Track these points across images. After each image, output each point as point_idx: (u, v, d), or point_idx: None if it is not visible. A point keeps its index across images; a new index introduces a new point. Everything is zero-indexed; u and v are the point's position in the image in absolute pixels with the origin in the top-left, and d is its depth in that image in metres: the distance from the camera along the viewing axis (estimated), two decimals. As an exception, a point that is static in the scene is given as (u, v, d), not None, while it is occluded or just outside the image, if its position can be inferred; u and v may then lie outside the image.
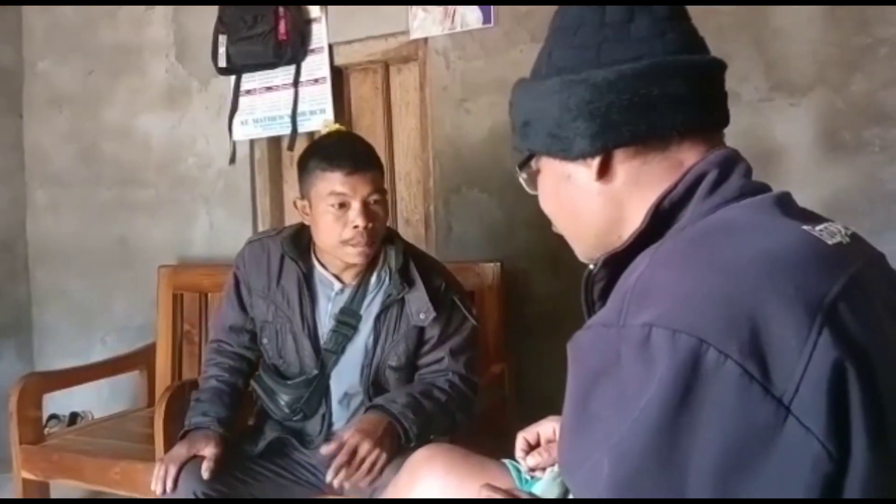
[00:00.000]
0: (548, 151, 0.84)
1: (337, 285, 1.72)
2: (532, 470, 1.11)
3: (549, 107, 0.81)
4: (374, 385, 1.72)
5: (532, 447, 1.14)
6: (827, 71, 2.04)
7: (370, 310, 1.71)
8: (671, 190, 0.77)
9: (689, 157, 0.79)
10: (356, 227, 1.59)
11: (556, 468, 1.08)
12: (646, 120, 0.77)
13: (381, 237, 1.68)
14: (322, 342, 1.72)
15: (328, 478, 1.51)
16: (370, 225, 1.61)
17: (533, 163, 0.89)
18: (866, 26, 1.99)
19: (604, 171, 0.80)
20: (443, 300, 1.71)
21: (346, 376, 1.73)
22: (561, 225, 0.90)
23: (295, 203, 1.72)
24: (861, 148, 2.01)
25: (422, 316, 1.68)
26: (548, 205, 0.89)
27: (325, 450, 1.53)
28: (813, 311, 0.61)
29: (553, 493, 1.05)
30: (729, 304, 0.62)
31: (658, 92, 0.77)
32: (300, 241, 1.75)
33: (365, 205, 1.61)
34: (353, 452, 1.50)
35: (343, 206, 1.60)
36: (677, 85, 0.77)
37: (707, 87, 0.81)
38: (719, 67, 0.82)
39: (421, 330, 1.71)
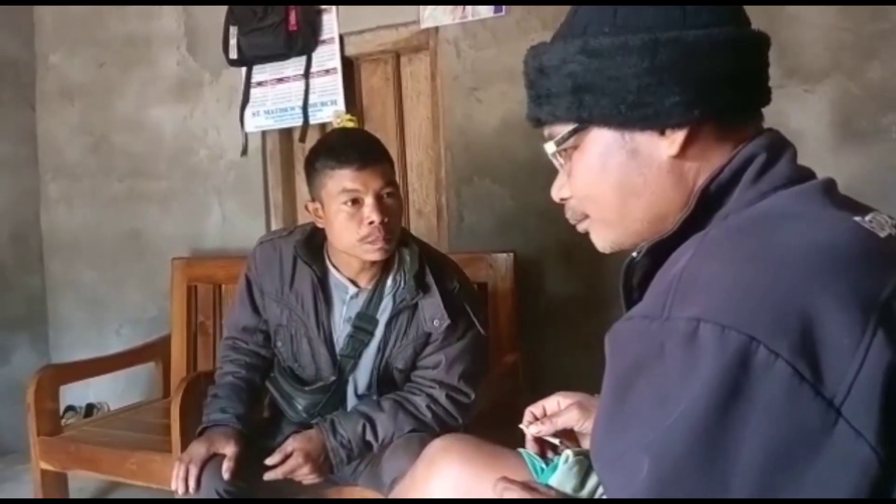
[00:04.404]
0: (622, 121, 0.73)
1: (352, 289, 1.70)
2: (536, 441, 1.12)
3: (621, 68, 0.71)
4: (385, 383, 1.71)
5: (537, 420, 1.14)
6: (842, 57, 2.02)
7: (384, 313, 1.69)
8: (719, 173, 0.73)
9: (744, 136, 0.75)
10: (371, 222, 1.56)
11: (570, 456, 1.07)
12: (739, 90, 0.72)
13: (398, 232, 1.65)
14: (338, 348, 1.70)
15: (266, 476, 1.61)
16: (385, 219, 1.58)
17: (574, 137, 0.78)
18: (882, 11, 1.97)
19: (686, 145, 0.73)
20: (455, 303, 1.68)
21: (361, 379, 1.73)
22: (601, 208, 0.79)
23: (306, 206, 1.68)
24: (877, 135, 1.99)
25: (435, 322, 1.65)
26: (588, 184, 0.79)
27: (270, 460, 1.61)
28: (867, 310, 0.58)
29: (569, 483, 1.04)
30: (780, 300, 0.59)
31: (747, 62, 0.73)
32: (313, 244, 1.72)
33: (378, 199, 1.58)
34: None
35: (356, 202, 1.57)
36: (757, 57, 0.75)
37: (767, 63, 0.79)
38: (769, 43, 0.80)
39: (429, 333, 1.68)
